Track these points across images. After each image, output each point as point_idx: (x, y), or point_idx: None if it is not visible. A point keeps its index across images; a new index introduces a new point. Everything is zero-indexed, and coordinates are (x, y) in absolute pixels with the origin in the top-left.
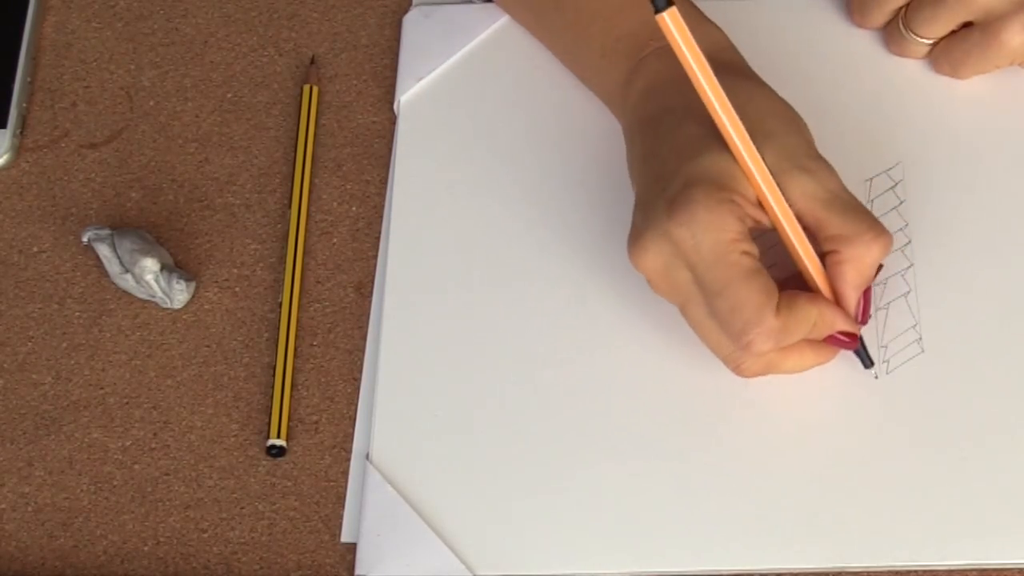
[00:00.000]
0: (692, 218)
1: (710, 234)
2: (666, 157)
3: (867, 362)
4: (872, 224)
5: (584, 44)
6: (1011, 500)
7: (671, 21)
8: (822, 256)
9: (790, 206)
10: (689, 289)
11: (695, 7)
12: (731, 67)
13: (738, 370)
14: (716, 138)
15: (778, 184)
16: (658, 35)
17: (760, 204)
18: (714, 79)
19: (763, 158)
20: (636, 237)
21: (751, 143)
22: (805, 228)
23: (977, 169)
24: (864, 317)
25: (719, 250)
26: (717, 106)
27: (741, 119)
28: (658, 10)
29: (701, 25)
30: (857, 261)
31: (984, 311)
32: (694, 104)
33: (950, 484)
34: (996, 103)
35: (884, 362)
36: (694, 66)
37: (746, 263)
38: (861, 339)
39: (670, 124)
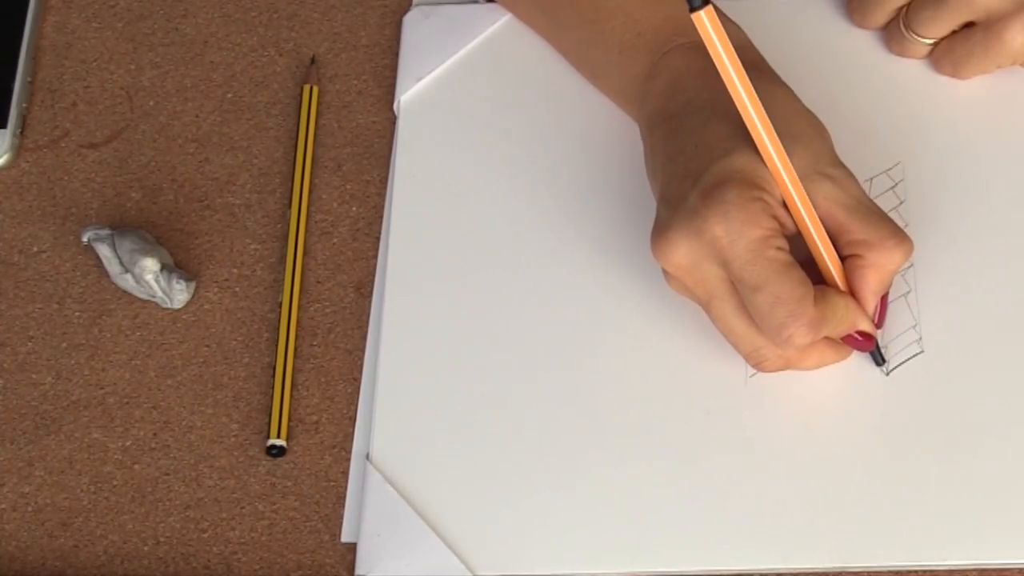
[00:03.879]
0: (727, 216)
1: (746, 230)
2: (694, 154)
3: (879, 359)
4: (895, 231)
5: (599, 39)
6: (1011, 500)
7: (707, 20)
8: (842, 260)
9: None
10: (717, 285)
11: (715, 5)
12: (754, 67)
13: (760, 366)
14: (745, 137)
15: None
16: (683, 31)
17: (785, 206)
18: (748, 81)
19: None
20: (663, 232)
21: (781, 146)
22: (827, 232)
23: (977, 169)
24: (880, 321)
25: (756, 247)
26: (751, 109)
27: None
28: (694, 8)
29: (724, 24)
30: (879, 267)
31: (984, 311)
32: (721, 100)
33: (950, 484)
34: (997, 103)
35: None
36: (728, 67)
37: (782, 257)
38: (875, 341)
39: (697, 120)
